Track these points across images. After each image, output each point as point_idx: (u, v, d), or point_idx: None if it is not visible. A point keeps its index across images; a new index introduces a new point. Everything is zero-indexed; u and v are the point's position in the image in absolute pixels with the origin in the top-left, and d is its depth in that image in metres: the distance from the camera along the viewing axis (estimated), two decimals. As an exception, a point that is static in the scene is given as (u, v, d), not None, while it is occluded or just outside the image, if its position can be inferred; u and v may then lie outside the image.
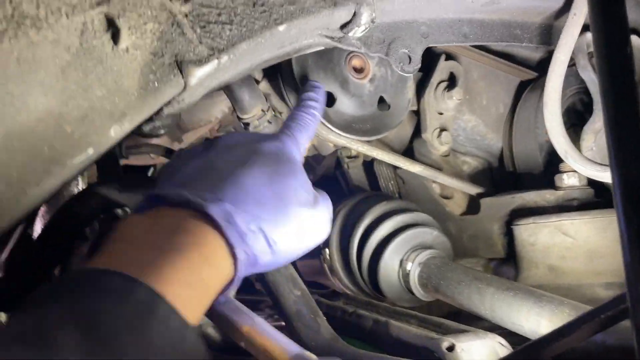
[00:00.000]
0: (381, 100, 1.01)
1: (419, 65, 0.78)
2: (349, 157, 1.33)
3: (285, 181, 0.59)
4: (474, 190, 1.13)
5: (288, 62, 0.91)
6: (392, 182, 1.28)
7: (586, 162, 0.78)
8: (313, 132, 0.71)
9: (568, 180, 0.93)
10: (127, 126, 0.56)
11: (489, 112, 1.20)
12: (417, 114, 1.13)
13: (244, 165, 0.58)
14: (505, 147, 1.20)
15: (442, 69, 1.09)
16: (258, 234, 0.54)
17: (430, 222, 1.02)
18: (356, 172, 1.41)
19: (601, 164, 0.77)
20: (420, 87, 1.10)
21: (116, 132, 0.55)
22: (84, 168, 0.54)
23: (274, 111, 1.00)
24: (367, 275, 1.01)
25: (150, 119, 0.62)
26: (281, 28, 0.63)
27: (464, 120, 1.18)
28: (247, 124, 0.97)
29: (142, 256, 0.46)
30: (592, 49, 0.94)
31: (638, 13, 0.89)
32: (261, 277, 0.88)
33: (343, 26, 0.70)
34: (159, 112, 0.62)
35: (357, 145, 0.99)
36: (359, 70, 0.97)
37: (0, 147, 0.49)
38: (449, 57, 1.12)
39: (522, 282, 0.92)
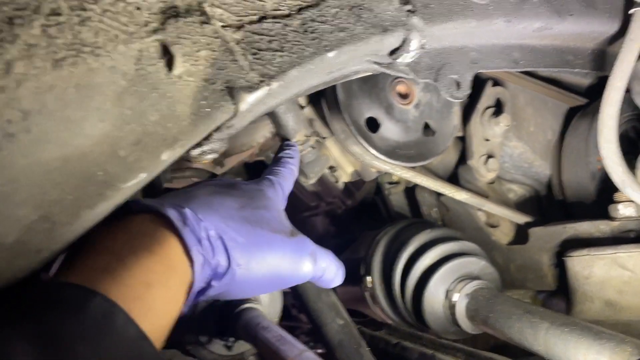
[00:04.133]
0: (426, 126, 1.00)
1: (469, 92, 0.76)
2: (390, 183, 1.31)
3: (257, 212, 0.61)
4: (521, 219, 1.09)
5: (332, 88, 0.91)
6: (435, 209, 1.25)
7: (646, 193, 0.74)
8: (290, 184, 0.74)
9: (624, 210, 0.89)
10: (179, 151, 0.56)
11: (537, 138, 1.17)
12: (462, 140, 1.11)
13: (216, 192, 0.62)
14: (554, 175, 1.17)
15: (489, 94, 1.07)
16: (217, 241, 0.55)
17: (477, 251, 0.99)
18: (397, 199, 1.39)
19: (663, 195, 0.73)
20: (466, 113, 1.08)
21: (168, 157, 0.55)
22: (136, 192, 0.54)
23: (317, 136, 1.00)
24: (411, 305, 0.98)
25: (199, 144, 0.63)
26: (331, 54, 0.63)
27: (511, 147, 1.15)
28: (291, 150, 0.97)
29: (98, 264, 0.48)
30: (648, 75, 0.91)
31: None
32: (303, 304, 0.87)
33: (392, 52, 0.69)
34: (208, 137, 0.62)
35: (401, 172, 0.97)
36: (404, 96, 0.96)
37: (57, 171, 0.50)
38: (496, 82, 1.10)
39: (575, 317, 0.87)
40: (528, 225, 1.08)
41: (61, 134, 0.50)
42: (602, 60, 0.90)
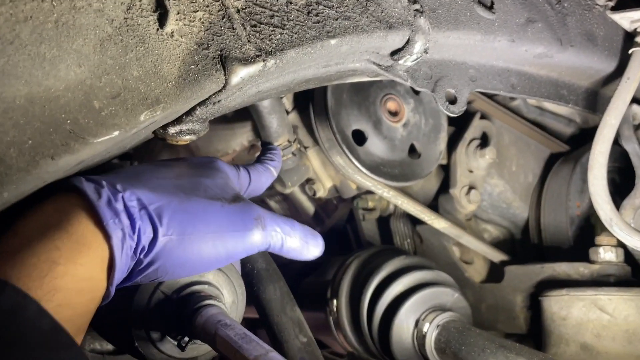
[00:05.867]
0: (412, 149, 0.97)
1: (464, 108, 0.74)
2: (366, 209, 1.27)
3: (195, 179, 0.58)
4: (497, 256, 1.06)
5: (323, 93, 0.88)
6: (408, 240, 1.22)
7: (633, 232, 0.72)
8: (261, 182, 0.71)
9: (604, 254, 0.87)
10: (159, 114, 0.51)
11: (518, 179, 1.16)
12: (445, 170, 1.09)
13: (153, 165, 0.59)
14: (532, 218, 1.15)
15: (476, 126, 1.06)
16: (139, 212, 0.51)
17: (451, 282, 0.95)
18: (370, 227, 1.35)
19: (651, 235, 0.71)
20: (452, 143, 1.06)
21: (146, 118, 0.50)
22: (103, 153, 0.49)
23: (299, 144, 0.96)
24: (377, 334, 0.93)
25: (179, 119, 0.58)
26: (333, 41, 0.60)
27: (492, 185, 1.14)
28: (271, 154, 0.93)
29: (7, 247, 0.45)
30: (638, 121, 0.91)
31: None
32: (265, 317, 0.81)
33: (394, 53, 0.66)
34: (191, 111, 0.57)
35: (382, 190, 0.94)
36: (393, 114, 0.94)
37: (20, 110, 0.44)
38: (483, 116, 1.09)
39: (549, 359, 0.83)
40: (503, 264, 1.05)
41: (32, 71, 0.44)
42: (594, 100, 0.90)
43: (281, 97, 0.92)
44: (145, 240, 0.51)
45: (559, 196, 1.09)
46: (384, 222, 1.30)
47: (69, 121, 0.46)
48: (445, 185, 1.07)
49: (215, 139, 1.20)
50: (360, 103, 0.90)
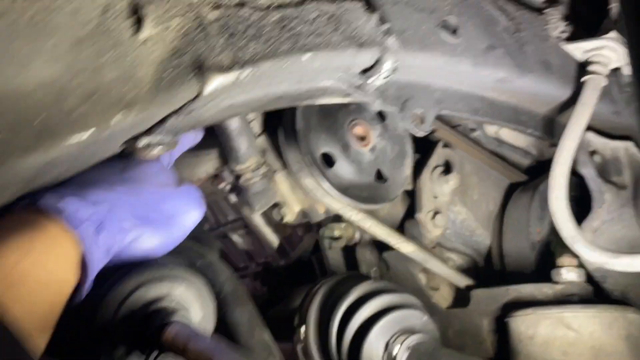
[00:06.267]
0: (379, 175, 0.98)
1: (431, 129, 0.76)
2: (332, 238, 1.27)
3: (138, 168, 0.63)
4: (463, 281, 1.07)
5: (292, 115, 0.89)
6: (374, 268, 1.21)
7: (595, 248, 0.75)
8: (184, 144, 0.77)
9: (567, 275, 0.89)
10: (131, 119, 0.51)
11: (480, 207, 1.19)
12: (410, 196, 1.10)
13: (95, 167, 0.61)
14: (494, 245, 1.17)
15: (440, 154, 1.08)
16: (100, 208, 0.56)
17: (419, 305, 0.95)
18: (335, 257, 1.34)
19: (612, 251, 0.73)
20: (416, 169, 1.08)
21: (119, 121, 0.49)
22: (73, 155, 0.48)
23: (267, 168, 0.96)
24: (347, 358, 0.91)
25: (149, 130, 0.58)
26: (305, 57, 0.61)
27: (455, 212, 1.15)
28: (239, 176, 0.92)
29: None
30: (592, 148, 0.95)
31: None
32: (233, 341, 0.78)
33: (364, 71, 0.68)
34: (162, 121, 0.57)
35: (351, 213, 0.94)
36: (361, 138, 0.95)
37: (-12, 105, 0.43)
38: (446, 145, 1.12)
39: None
40: (469, 288, 1.06)
41: (3, 66, 0.44)
42: (551, 127, 0.94)
43: (250, 120, 0.93)
44: (114, 234, 0.57)
45: (519, 223, 1.12)
46: (349, 252, 1.30)
47: (40, 119, 0.45)
48: (410, 212, 1.09)
49: (180, 166, 1.19)
50: (328, 127, 0.91)
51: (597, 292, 0.92)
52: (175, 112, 0.56)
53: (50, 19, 0.46)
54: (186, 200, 0.65)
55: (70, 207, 0.54)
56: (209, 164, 1.19)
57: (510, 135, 1.30)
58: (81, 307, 0.57)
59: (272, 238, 1.64)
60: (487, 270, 1.20)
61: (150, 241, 0.61)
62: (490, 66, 0.77)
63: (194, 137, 0.79)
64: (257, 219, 1.62)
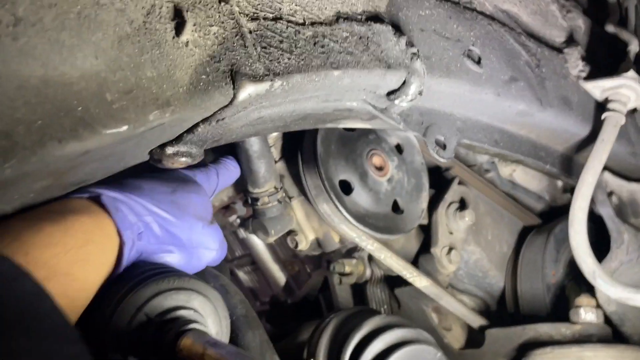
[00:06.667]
0: (395, 207, 0.98)
1: (453, 155, 0.77)
2: (342, 274, 1.25)
3: (187, 195, 0.68)
4: (477, 321, 1.05)
5: (312, 142, 0.89)
6: (385, 306, 1.19)
7: (616, 284, 0.73)
8: (230, 178, 0.83)
9: (585, 315, 0.88)
10: (167, 117, 0.51)
11: (494, 248, 1.17)
12: (425, 231, 1.10)
13: (149, 178, 0.68)
14: (509, 287, 1.15)
15: (455, 190, 1.09)
16: (147, 220, 0.61)
17: (432, 341, 0.93)
18: (344, 295, 1.32)
19: (633, 286, 0.72)
20: (432, 205, 1.08)
21: (155, 118, 0.50)
22: (111, 145, 0.48)
23: (284, 194, 0.96)
24: (357, 394, 0.88)
25: (178, 138, 0.58)
26: (336, 73, 0.63)
27: (469, 252, 1.14)
28: (256, 199, 0.92)
29: (11, 232, 0.49)
30: (609, 189, 0.95)
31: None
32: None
33: (390, 93, 0.69)
34: (193, 128, 0.58)
35: (367, 242, 0.93)
36: (379, 168, 0.96)
37: (33, 90, 0.44)
38: (461, 182, 1.12)
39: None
40: (483, 329, 1.03)
41: (50, 54, 0.45)
42: (568, 165, 0.94)
43: (269, 146, 0.93)
44: (146, 245, 0.60)
45: (534, 265, 1.10)
46: (359, 289, 1.28)
47: (80, 108, 0.46)
48: (425, 247, 1.08)
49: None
50: (347, 155, 0.92)
51: (614, 334, 0.90)
52: (207, 119, 0.57)
53: (97, 14, 0.47)
54: (212, 239, 0.69)
55: (125, 210, 0.58)
56: (223, 192, 1.19)
57: (525, 179, 1.30)
58: (92, 313, 0.56)
59: (280, 275, 1.62)
60: (498, 313, 1.18)
61: (171, 261, 0.64)
62: (512, 98, 0.79)
63: (235, 171, 0.84)
64: (266, 256, 1.61)
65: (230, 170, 0.82)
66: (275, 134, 0.94)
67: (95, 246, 0.55)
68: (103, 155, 0.52)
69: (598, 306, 0.90)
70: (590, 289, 0.93)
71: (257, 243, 1.54)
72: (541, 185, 1.33)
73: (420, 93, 0.69)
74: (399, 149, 1.01)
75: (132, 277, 0.60)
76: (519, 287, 1.11)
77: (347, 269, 1.25)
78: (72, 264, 0.51)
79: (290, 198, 0.96)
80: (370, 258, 1.17)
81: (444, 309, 1.12)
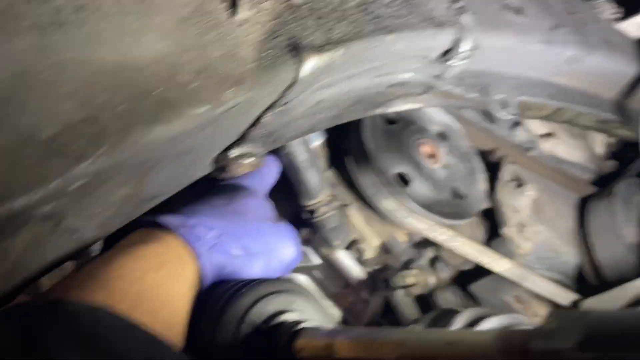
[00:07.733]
0: (455, 193, 0.94)
1: (517, 112, 0.73)
2: (406, 287, 1.19)
3: (243, 201, 0.66)
4: (568, 297, 0.98)
5: (359, 141, 0.86)
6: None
7: None
8: (272, 174, 0.78)
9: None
10: (242, 95, 0.48)
11: (559, 224, 1.12)
12: (488, 217, 1.05)
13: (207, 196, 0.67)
14: (585, 260, 1.09)
15: (508, 169, 1.04)
16: (219, 238, 0.58)
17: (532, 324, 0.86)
18: (412, 312, 1.25)
19: None
20: (490, 187, 1.03)
21: (231, 97, 0.47)
22: (196, 125, 0.45)
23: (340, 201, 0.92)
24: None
25: (240, 140, 0.55)
26: (389, 37, 0.60)
27: (534, 233, 1.09)
28: (312, 211, 0.87)
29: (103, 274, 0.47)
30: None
31: None
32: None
33: (443, 54, 0.66)
34: (256, 122, 0.55)
35: (437, 232, 0.88)
36: (430, 156, 0.92)
37: (109, 75, 0.41)
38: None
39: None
40: (575, 303, 0.96)
41: (116, 40, 0.42)
42: (622, 112, 0.91)
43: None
44: (221, 258, 0.58)
45: (607, 229, 1.05)
46: (425, 303, 1.21)
47: (157, 91, 0.42)
48: (493, 233, 1.02)
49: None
50: (396, 147, 0.88)
51: None
52: (271, 106, 0.54)
53: (153, -1, 0.45)
54: (284, 236, 0.66)
55: (189, 225, 0.57)
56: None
57: (566, 151, 1.27)
58: (192, 336, 0.51)
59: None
60: (580, 290, 1.11)
61: (253, 271, 0.61)
62: (560, 44, 0.76)
63: (275, 164, 0.80)
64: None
65: (270, 165, 0.78)
66: (317, 142, 0.91)
67: (171, 265, 0.52)
68: (176, 153, 0.48)
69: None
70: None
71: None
72: (584, 156, 1.29)
73: (473, 49, 0.67)
74: (442, 137, 0.98)
75: (224, 291, 0.55)
76: (597, 257, 1.05)
77: (410, 280, 1.18)
78: (154, 288, 0.49)
79: (345, 206, 0.91)
80: (433, 263, 1.11)
81: (526, 297, 1.05)
